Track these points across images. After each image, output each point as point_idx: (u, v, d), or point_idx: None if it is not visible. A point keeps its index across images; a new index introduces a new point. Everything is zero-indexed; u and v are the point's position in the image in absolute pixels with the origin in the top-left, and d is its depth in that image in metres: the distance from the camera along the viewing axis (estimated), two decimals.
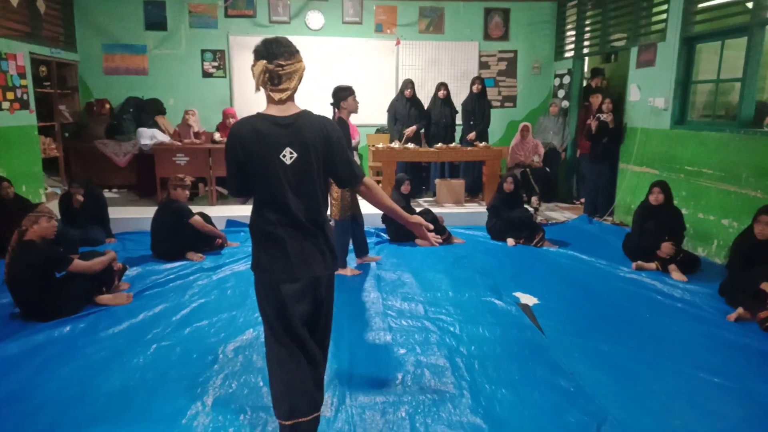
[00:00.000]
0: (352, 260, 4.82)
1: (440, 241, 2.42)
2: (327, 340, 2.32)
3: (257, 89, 2.08)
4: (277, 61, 2.02)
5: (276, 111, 2.08)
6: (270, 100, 2.09)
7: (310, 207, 2.12)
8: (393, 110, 7.25)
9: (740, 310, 3.68)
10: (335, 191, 4.33)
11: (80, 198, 5.19)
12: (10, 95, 5.77)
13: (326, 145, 2.10)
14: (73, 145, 7.49)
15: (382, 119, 7.73)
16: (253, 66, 2.04)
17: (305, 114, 2.10)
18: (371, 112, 8.12)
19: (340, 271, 4.55)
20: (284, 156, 2.04)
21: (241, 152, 2.04)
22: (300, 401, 2.13)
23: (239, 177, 2.10)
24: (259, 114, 2.10)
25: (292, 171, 2.06)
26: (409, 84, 7.12)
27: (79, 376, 2.85)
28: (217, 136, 7.05)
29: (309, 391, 2.15)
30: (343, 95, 4.22)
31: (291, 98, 2.11)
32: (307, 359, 2.16)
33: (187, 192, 4.92)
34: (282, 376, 2.14)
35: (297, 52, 2.09)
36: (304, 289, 2.15)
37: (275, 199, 2.08)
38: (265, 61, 2.02)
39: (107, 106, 7.72)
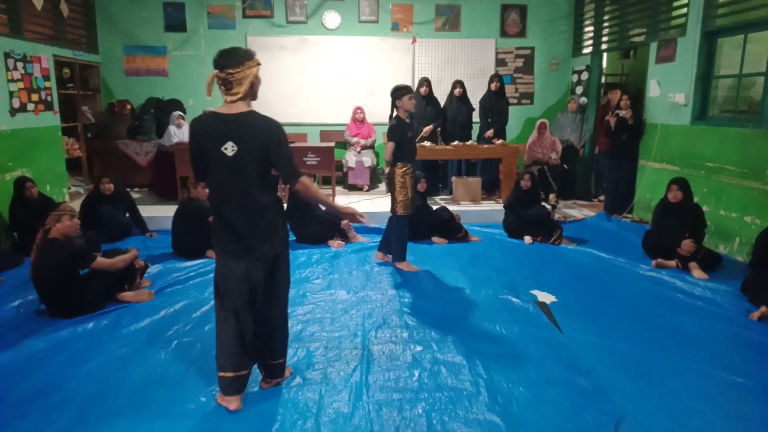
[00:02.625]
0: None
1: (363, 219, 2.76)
2: (275, 321, 2.61)
3: (208, 93, 2.41)
4: (227, 70, 2.34)
5: (225, 109, 2.39)
6: (225, 101, 2.40)
7: (250, 195, 2.41)
8: None
9: (763, 308, 3.61)
10: (399, 192, 4.37)
11: (110, 186, 5.35)
12: (34, 97, 5.91)
13: (266, 143, 2.38)
14: (95, 146, 7.64)
15: None
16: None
17: (251, 114, 2.39)
18: (388, 110, 8.13)
19: (398, 265, 4.62)
20: (226, 149, 2.35)
21: (195, 144, 2.43)
22: (227, 360, 2.53)
23: (196, 164, 2.48)
24: (212, 111, 2.42)
25: (233, 162, 2.36)
26: (424, 82, 7.11)
27: (103, 371, 2.92)
28: None
29: (236, 353, 2.52)
30: (398, 94, 4.32)
31: (243, 99, 2.40)
32: (241, 325, 2.51)
33: (207, 190, 4.97)
34: (219, 337, 2.55)
35: (248, 59, 2.38)
36: (246, 267, 2.46)
37: (220, 186, 2.44)
38: (216, 71, 2.36)
39: (128, 106, 7.86)
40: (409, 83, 7.89)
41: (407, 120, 4.42)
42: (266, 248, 2.47)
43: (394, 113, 4.40)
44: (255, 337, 2.57)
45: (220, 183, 2.42)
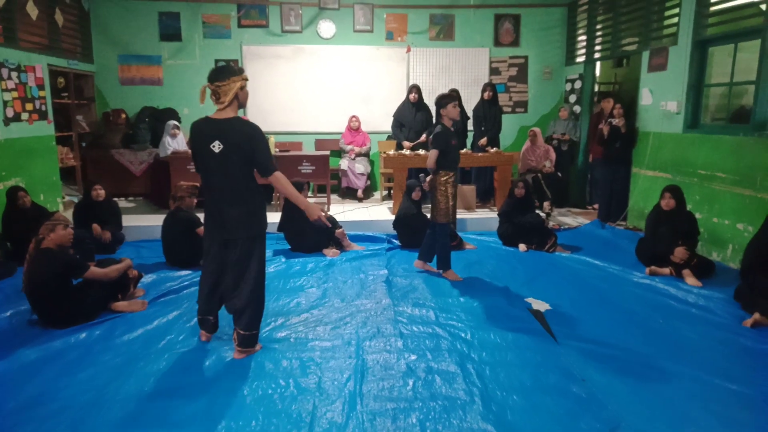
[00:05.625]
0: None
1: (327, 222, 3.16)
2: (245, 293, 3.04)
3: (201, 101, 2.97)
4: (216, 83, 2.87)
5: (216, 115, 2.93)
6: (217, 108, 2.93)
7: (232, 186, 2.92)
8: (398, 115, 7.29)
9: (756, 315, 3.63)
10: (441, 200, 4.39)
11: (102, 192, 5.34)
12: (29, 106, 5.90)
13: (247, 142, 2.86)
14: (90, 155, 7.62)
15: None
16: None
17: (235, 119, 2.91)
18: (383, 119, 8.17)
19: (444, 275, 4.63)
20: (213, 146, 2.86)
21: (193, 143, 2.98)
22: (200, 306, 3.22)
23: (194, 159, 3.03)
24: (206, 116, 2.95)
25: (220, 158, 2.87)
26: (413, 89, 7.16)
27: (96, 381, 2.90)
28: None
29: (209, 302, 3.19)
30: (443, 102, 4.37)
31: (230, 107, 2.92)
32: (216, 289, 3.14)
33: (194, 200, 4.92)
34: (200, 288, 3.21)
35: (234, 75, 2.89)
36: (225, 245, 3.02)
37: (208, 178, 2.97)
38: (208, 83, 2.91)
39: (123, 116, 7.85)
40: (404, 92, 7.96)
41: (451, 128, 4.43)
42: (244, 231, 2.98)
43: (439, 122, 4.43)
44: (230, 303, 3.11)
45: (210, 175, 2.94)
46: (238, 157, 2.86)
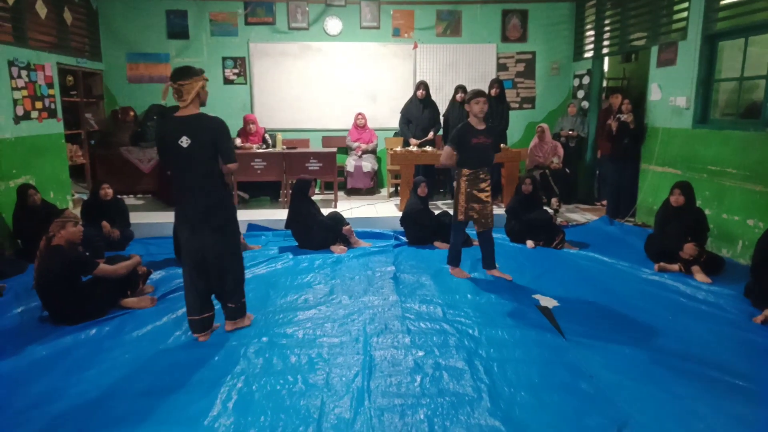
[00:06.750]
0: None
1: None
2: (227, 273, 3.29)
3: (164, 98, 3.24)
4: (179, 82, 3.07)
5: (181, 113, 3.12)
6: (180, 106, 3.12)
7: (201, 179, 3.10)
8: (405, 112, 7.28)
9: (767, 311, 3.60)
10: (458, 197, 4.37)
11: (110, 192, 5.38)
12: (38, 105, 5.94)
13: (212, 136, 3.08)
14: (98, 153, 7.66)
15: None
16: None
17: (200, 115, 3.12)
18: (389, 115, 8.17)
19: (452, 271, 4.61)
20: (182, 142, 3.04)
21: (159, 140, 3.17)
22: (193, 306, 3.28)
23: (161, 156, 3.23)
24: (172, 115, 3.13)
25: (187, 152, 3.05)
26: (421, 85, 7.14)
27: (105, 378, 2.92)
28: (237, 141, 7.16)
29: (197, 301, 3.27)
30: (467, 99, 4.36)
31: (193, 104, 3.11)
32: (200, 279, 3.25)
33: None
34: (185, 289, 3.30)
35: (195, 75, 3.10)
36: (199, 234, 3.17)
37: (177, 173, 3.11)
38: (170, 82, 3.10)
39: (131, 113, 7.89)
40: (411, 88, 7.95)
41: (479, 127, 4.31)
42: (213, 220, 3.17)
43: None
44: (215, 286, 3.30)
45: (179, 169, 3.09)
46: (206, 150, 3.06)
